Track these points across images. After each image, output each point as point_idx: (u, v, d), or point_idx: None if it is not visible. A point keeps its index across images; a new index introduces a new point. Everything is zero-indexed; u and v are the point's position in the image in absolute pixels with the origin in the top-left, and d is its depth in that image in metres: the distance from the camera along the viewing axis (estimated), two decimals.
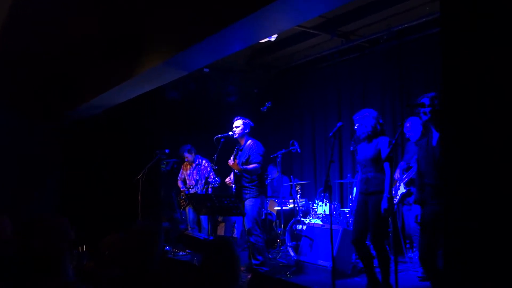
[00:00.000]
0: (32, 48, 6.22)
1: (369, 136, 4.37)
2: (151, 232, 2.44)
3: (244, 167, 5.32)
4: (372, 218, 4.27)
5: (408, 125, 5.17)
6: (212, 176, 6.82)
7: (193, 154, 7.12)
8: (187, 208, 7.01)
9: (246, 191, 5.34)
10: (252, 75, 8.53)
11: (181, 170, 7.27)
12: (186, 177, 7.15)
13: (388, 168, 4.18)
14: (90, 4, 5.02)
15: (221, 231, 7.71)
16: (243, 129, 5.48)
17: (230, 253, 2.16)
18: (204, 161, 7.06)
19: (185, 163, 7.21)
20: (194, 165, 7.08)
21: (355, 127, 4.49)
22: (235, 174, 5.49)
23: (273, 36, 6.25)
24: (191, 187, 6.95)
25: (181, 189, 7.18)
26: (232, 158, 5.33)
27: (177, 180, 7.30)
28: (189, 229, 6.78)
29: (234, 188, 5.49)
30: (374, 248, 4.39)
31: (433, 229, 3.50)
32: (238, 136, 5.49)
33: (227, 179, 5.78)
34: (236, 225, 7.67)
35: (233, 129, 5.51)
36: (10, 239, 3.57)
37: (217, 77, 8.15)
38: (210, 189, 6.77)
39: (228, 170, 5.68)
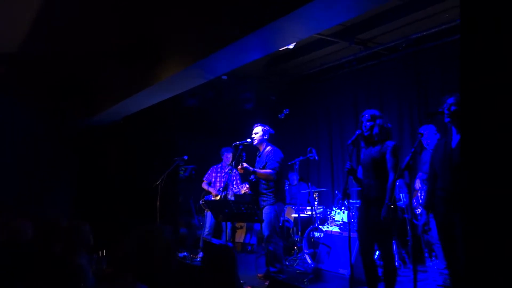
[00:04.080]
0: (55, 53, 6.35)
1: (374, 138, 4.09)
2: (150, 235, 2.46)
3: (254, 169, 5.32)
4: (376, 227, 4.01)
5: (424, 133, 5.11)
6: (239, 182, 6.81)
7: (230, 160, 7.03)
8: (208, 212, 6.89)
9: (264, 198, 5.34)
10: (270, 82, 8.57)
11: (209, 172, 7.12)
12: (214, 179, 7.02)
13: (392, 175, 3.97)
14: (112, 11, 5.11)
15: (239, 237, 7.72)
16: (262, 136, 5.50)
17: (228, 259, 2.21)
18: (235, 170, 7.05)
19: (215, 166, 7.13)
20: (227, 169, 7.02)
21: (362, 126, 4.17)
22: (251, 182, 5.50)
23: (291, 44, 6.28)
24: (222, 190, 6.90)
25: (208, 189, 6.98)
26: (241, 163, 5.32)
27: (202, 181, 7.14)
28: (207, 233, 6.75)
29: (251, 195, 5.50)
30: (380, 258, 4.18)
31: (451, 237, 3.34)
32: (257, 143, 5.51)
33: (244, 188, 5.78)
34: (253, 232, 7.68)
35: (252, 135, 5.53)
36: (31, 242, 3.66)
37: (234, 84, 8.21)
38: (230, 196, 6.67)
39: (245, 177, 5.71)
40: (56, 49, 6.18)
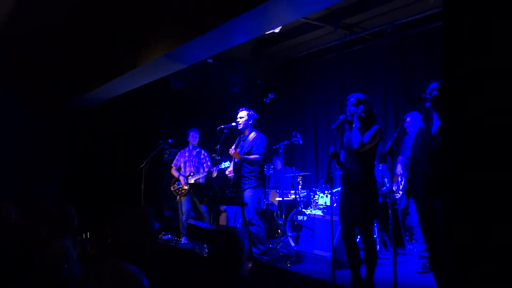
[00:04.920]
0: (38, 37, 6.25)
1: (359, 120, 4.07)
2: (138, 216, 2.48)
3: (245, 156, 5.37)
4: (358, 211, 4.06)
5: (408, 119, 5.17)
6: (209, 165, 6.81)
7: (197, 139, 7.08)
8: (183, 198, 6.86)
9: (246, 181, 5.38)
10: (256, 66, 8.54)
11: (177, 158, 7.11)
12: (183, 164, 7.01)
13: (375, 160, 4.09)
14: None
15: (223, 220, 7.77)
16: (247, 120, 5.52)
17: (237, 243, 2.21)
18: (203, 151, 7.05)
19: (183, 150, 7.12)
20: (195, 152, 7.03)
21: (346, 110, 4.17)
22: (235, 164, 5.53)
23: (277, 28, 6.26)
24: (192, 174, 6.89)
25: (178, 177, 6.97)
26: (233, 147, 5.37)
27: (171, 167, 7.13)
28: (185, 219, 6.77)
29: (233, 178, 5.53)
30: (361, 241, 4.24)
31: (431, 222, 3.36)
32: (242, 127, 5.53)
33: (227, 171, 5.80)
34: (237, 215, 7.73)
35: (238, 120, 5.55)
36: (16, 226, 3.66)
37: (220, 68, 8.17)
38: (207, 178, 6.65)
39: (231, 160, 5.74)
40: (40, 32, 6.08)
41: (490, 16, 1.84)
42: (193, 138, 7.01)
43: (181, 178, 6.90)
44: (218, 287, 2.12)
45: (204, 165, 6.92)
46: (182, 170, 7.01)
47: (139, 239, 2.41)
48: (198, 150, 7.04)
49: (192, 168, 6.94)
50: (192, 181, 6.82)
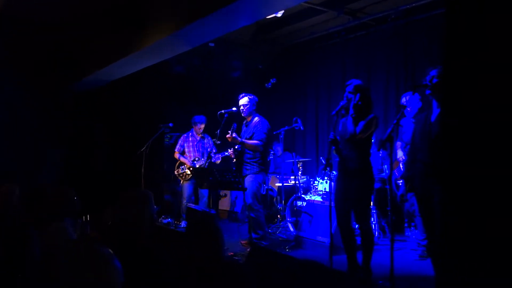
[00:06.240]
0: (38, 18, 6.20)
1: (354, 108, 4.08)
2: (137, 199, 2.50)
3: (243, 139, 5.34)
4: (353, 197, 4.09)
5: (405, 99, 5.11)
6: (214, 151, 6.81)
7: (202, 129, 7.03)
8: (186, 182, 6.87)
9: (247, 167, 5.38)
10: (257, 50, 8.49)
11: (180, 143, 7.06)
12: (187, 149, 6.98)
13: (370, 147, 4.12)
14: None
15: (223, 205, 7.81)
16: (250, 107, 5.48)
17: (211, 225, 2.26)
18: (206, 136, 7.02)
19: (186, 135, 7.08)
20: (199, 138, 6.99)
21: (345, 96, 4.16)
22: (236, 150, 5.51)
23: (279, 12, 6.20)
24: (197, 159, 6.86)
25: (183, 160, 6.93)
26: (230, 132, 5.32)
27: (174, 152, 7.08)
28: (186, 203, 6.77)
29: (235, 163, 5.53)
30: (358, 227, 4.26)
31: (429, 208, 3.39)
32: (246, 114, 5.50)
33: (230, 151, 5.73)
34: (237, 200, 7.76)
35: (240, 107, 5.50)
36: (17, 208, 3.68)
37: (222, 52, 8.12)
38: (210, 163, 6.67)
39: (230, 145, 5.73)
40: (39, 14, 6.03)
41: (492, 5, 1.82)
42: (198, 128, 6.94)
43: (185, 160, 6.86)
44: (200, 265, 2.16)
45: (209, 149, 6.89)
46: (187, 155, 6.98)
47: (138, 222, 2.42)
48: (202, 135, 7.00)
49: (197, 153, 6.90)
50: (197, 166, 6.80)
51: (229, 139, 5.32)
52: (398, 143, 5.45)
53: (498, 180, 1.74)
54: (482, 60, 1.84)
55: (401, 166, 5.43)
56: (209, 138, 6.96)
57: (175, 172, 6.99)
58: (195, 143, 6.95)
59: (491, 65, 1.81)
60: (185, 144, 6.98)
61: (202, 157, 6.86)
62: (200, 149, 6.92)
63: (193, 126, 6.97)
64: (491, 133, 1.79)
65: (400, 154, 5.39)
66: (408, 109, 5.02)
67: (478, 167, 1.82)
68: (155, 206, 2.61)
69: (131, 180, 6.77)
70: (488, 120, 1.80)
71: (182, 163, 6.95)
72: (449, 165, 1.92)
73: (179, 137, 7.18)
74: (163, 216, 7.16)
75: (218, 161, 6.55)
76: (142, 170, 6.64)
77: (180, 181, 6.94)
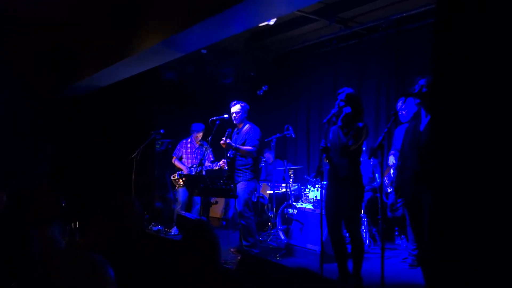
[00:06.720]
0: (30, 21, 6.16)
1: (345, 118, 4.14)
2: (122, 206, 2.47)
3: (237, 145, 5.34)
4: (344, 205, 4.10)
5: (401, 102, 5.11)
6: (211, 158, 6.80)
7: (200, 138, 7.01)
8: (181, 188, 6.86)
9: (240, 174, 5.37)
10: (250, 58, 8.51)
11: (178, 148, 7.07)
12: (184, 155, 6.98)
13: (360, 156, 4.15)
14: None
15: (214, 212, 7.77)
16: (242, 114, 5.50)
17: (208, 233, 2.24)
18: (205, 143, 7.02)
19: (185, 141, 7.07)
20: (197, 145, 6.98)
21: (336, 104, 4.18)
22: (227, 157, 5.51)
23: (272, 20, 6.23)
24: (195, 166, 6.84)
25: (180, 166, 6.95)
26: (224, 138, 5.33)
27: (172, 157, 7.10)
28: (179, 209, 6.75)
29: (227, 170, 5.52)
30: (349, 235, 4.26)
31: (418, 216, 3.40)
32: (238, 121, 5.52)
33: (220, 162, 5.78)
34: (228, 207, 7.73)
35: (232, 114, 5.52)
36: (7, 210, 3.63)
37: (214, 59, 8.12)
38: (204, 171, 6.67)
39: (222, 151, 5.72)
40: (31, 14, 5.99)
41: (481, 13, 1.83)
42: (196, 137, 6.95)
43: (182, 167, 6.86)
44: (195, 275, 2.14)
45: (206, 157, 6.87)
46: (184, 161, 6.98)
47: (125, 229, 2.40)
48: (201, 142, 7.00)
49: (195, 160, 6.89)
50: (194, 173, 6.77)
51: (223, 145, 5.33)
52: (393, 152, 5.46)
53: (498, 180, 1.74)
54: (482, 60, 1.85)
55: (391, 172, 5.43)
56: (209, 146, 6.97)
57: (172, 177, 7.00)
58: (193, 150, 6.94)
59: (490, 64, 1.82)
60: (183, 150, 6.99)
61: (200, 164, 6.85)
62: (198, 157, 6.91)
63: (192, 134, 6.98)
64: (491, 133, 1.80)
65: (392, 160, 5.39)
66: (404, 112, 5.02)
67: (478, 167, 1.82)
68: (143, 213, 2.58)
69: (121, 186, 6.72)
70: (488, 120, 1.81)
71: (179, 169, 6.95)
72: (446, 166, 1.92)
73: (172, 143, 7.16)
74: (153, 223, 7.11)
75: (217, 167, 6.54)
76: (133, 176, 6.60)
77: (176, 186, 6.93)
